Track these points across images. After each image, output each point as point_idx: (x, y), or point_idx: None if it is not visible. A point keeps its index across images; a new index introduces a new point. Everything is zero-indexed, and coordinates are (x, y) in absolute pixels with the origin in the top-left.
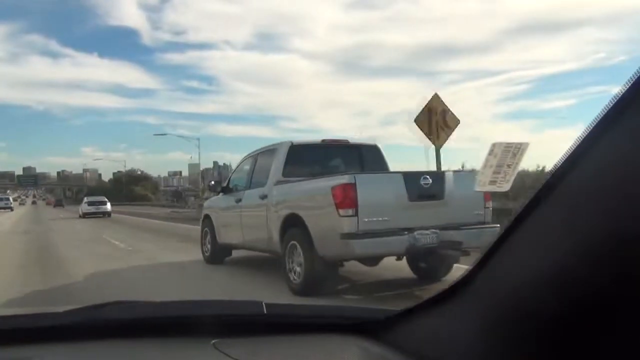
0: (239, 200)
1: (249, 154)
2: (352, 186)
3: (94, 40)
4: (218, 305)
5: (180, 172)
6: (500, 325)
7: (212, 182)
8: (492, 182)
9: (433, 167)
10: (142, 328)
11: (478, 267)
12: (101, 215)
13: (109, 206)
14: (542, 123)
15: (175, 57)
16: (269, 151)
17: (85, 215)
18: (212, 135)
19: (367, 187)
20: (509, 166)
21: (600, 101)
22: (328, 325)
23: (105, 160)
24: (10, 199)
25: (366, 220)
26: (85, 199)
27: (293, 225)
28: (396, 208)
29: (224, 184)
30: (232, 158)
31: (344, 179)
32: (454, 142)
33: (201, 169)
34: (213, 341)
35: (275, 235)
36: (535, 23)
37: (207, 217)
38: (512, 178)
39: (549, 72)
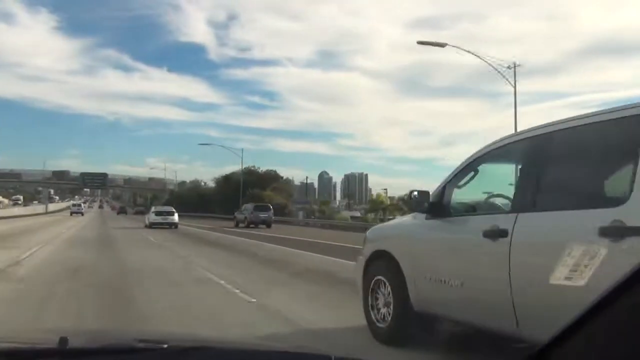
0: (496, 233)
1: (506, 138)
2: None
3: (164, 55)
4: (287, 356)
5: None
6: None
7: (416, 193)
8: (568, 279)
9: None
10: None
11: (552, 343)
12: (167, 227)
13: (176, 217)
14: None
15: (239, 73)
16: (610, 123)
17: (152, 226)
18: (271, 150)
19: None
20: (585, 266)
21: None
22: None
23: (218, 146)
24: (82, 205)
25: None
26: (153, 209)
27: None
28: None
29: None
30: (290, 173)
31: None
32: None
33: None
34: None
35: None
36: (608, 45)
37: (382, 256)
38: (588, 275)
39: (622, 95)
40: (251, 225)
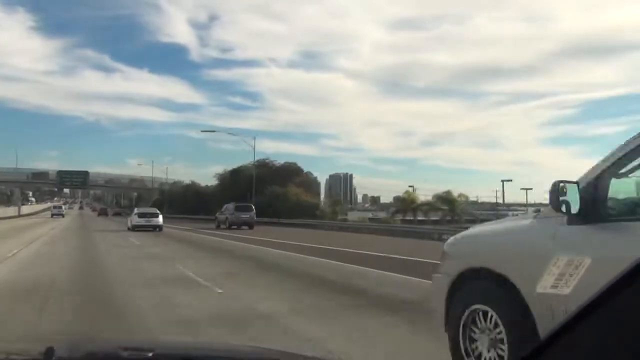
0: None
1: None
2: None
3: (145, 56)
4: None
5: None
6: None
7: (563, 185)
8: (554, 287)
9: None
10: None
11: (547, 342)
12: (151, 229)
13: (160, 219)
14: (589, 149)
15: (221, 74)
16: None
17: (134, 228)
18: (256, 150)
19: None
20: (570, 275)
21: None
22: None
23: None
24: (63, 207)
25: None
26: (136, 210)
27: None
28: None
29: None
30: None
31: None
32: (496, 165)
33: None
34: None
35: None
36: (586, 46)
37: (481, 276)
38: (574, 284)
39: (598, 96)
40: (233, 227)
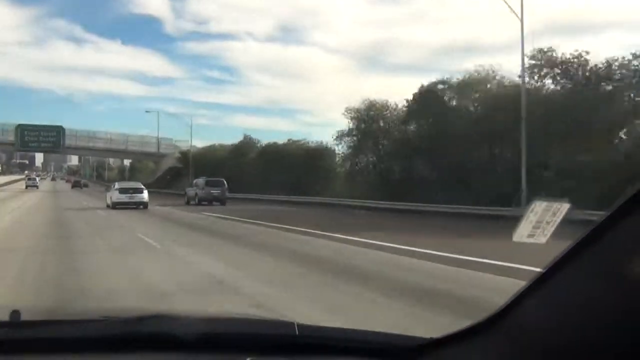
0: None
1: None
2: None
3: (118, 27)
4: (252, 324)
5: None
6: None
7: None
8: (531, 236)
9: None
10: (179, 342)
11: (512, 304)
12: (134, 207)
13: (145, 194)
14: None
15: (197, 47)
16: None
17: (115, 206)
18: (231, 125)
19: None
20: (547, 223)
21: None
22: (358, 349)
23: None
24: (37, 179)
25: None
26: (117, 185)
27: None
28: None
29: None
30: None
31: None
32: None
33: None
34: (248, 359)
35: None
36: (560, 25)
37: None
38: (550, 232)
39: None
40: (203, 203)
